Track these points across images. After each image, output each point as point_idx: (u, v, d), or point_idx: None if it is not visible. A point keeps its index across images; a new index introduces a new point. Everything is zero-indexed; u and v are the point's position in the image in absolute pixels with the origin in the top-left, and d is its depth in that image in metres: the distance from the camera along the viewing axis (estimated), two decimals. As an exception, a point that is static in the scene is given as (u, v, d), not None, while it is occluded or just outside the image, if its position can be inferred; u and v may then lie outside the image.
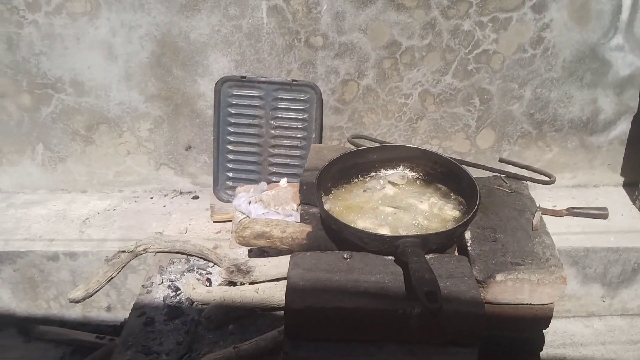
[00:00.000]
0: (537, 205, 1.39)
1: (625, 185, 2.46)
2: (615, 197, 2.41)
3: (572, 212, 2.25)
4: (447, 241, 1.23)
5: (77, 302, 1.69)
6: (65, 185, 2.47)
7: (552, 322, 2.40)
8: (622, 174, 2.46)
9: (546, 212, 2.25)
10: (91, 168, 2.43)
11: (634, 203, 2.34)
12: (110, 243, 2.15)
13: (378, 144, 1.59)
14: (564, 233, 2.18)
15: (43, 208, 2.39)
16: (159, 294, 1.67)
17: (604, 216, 2.24)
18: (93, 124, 2.32)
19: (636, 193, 2.33)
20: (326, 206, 1.33)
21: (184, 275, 1.75)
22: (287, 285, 1.15)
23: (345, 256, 1.23)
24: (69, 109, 2.29)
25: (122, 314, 2.22)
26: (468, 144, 2.36)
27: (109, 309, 2.23)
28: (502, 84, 2.23)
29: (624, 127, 2.34)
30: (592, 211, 2.25)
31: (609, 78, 2.23)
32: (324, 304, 1.10)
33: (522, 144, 2.36)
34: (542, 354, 1.29)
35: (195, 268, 1.77)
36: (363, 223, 1.28)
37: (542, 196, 2.39)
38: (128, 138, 2.35)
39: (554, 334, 2.26)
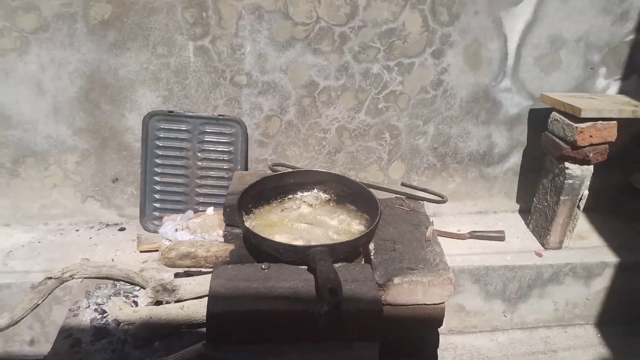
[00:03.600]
0: (431, 221, 1.60)
1: (521, 211, 2.77)
2: (512, 222, 2.70)
3: (473, 235, 2.51)
4: (351, 250, 1.40)
5: (1, 330, 1.69)
6: (-12, 219, 2.46)
7: (461, 338, 2.61)
8: (517, 201, 2.76)
9: (451, 235, 2.50)
10: (16, 201, 2.43)
11: (528, 226, 2.64)
12: (34, 275, 2.15)
13: (295, 169, 1.76)
14: (467, 254, 2.42)
15: (-38, 242, 2.36)
16: (86, 317, 1.71)
17: (501, 238, 2.51)
18: (19, 157, 2.35)
19: (529, 218, 2.63)
20: (247, 224, 1.46)
21: (111, 298, 1.80)
22: (209, 293, 1.26)
23: (263, 267, 1.36)
24: (-6, 142, 2.31)
25: (45, 347, 2.19)
26: (381, 174, 2.58)
27: (32, 342, 2.21)
28: (408, 121, 2.48)
29: (516, 159, 2.66)
30: (491, 234, 2.51)
31: (500, 116, 2.54)
32: (242, 307, 1.23)
33: (428, 175, 2.62)
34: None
35: (121, 292, 1.83)
36: (280, 237, 1.43)
37: (447, 222, 2.66)
38: (55, 171, 2.39)
39: (463, 349, 2.46)
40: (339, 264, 1.37)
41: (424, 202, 1.71)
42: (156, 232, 2.27)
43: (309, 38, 2.25)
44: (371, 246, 1.46)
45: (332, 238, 1.44)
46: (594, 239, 2.58)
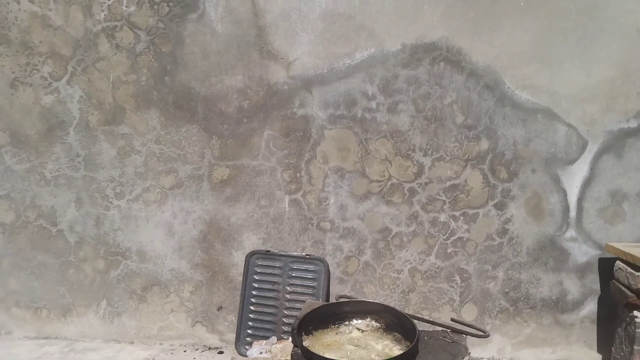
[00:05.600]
0: (468, 352, 1.78)
1: (603, 362, 2.71)
2: (593, 372, 2.65)
3: (548, 382, 2.51)
4: (386, 369, 1.63)
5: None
6: (118, 336, 2.99)
7: None
8: (598, 351, 2.72)
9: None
10: (140, 322, 2.96)
11: (609, 378, 2.57)
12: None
13: (352, 299, 2.07)
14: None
15: (97, 355, 2.88)
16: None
17: (578, 387, 2.47)
18: (148, 286, 2.92)
19: (610, 369, 2.57)
20: (305, 343, 1.78)
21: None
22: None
23: (312, 378, 1.64)
24: (132, 272, 2.92)
25: None
26: (455, 316, 2.75)
27: None
28: (477, 265, 2.70)
29: (591, 307, 2.69)
30: (566, 382, 2.49)
31: (569, 264, 2.66)
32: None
33: (501, 319, 2.73)
34: None
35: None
36: (329, 355, 1.72)
37: (524, 367, 2.68)
38: (173, 298, 2.91)
39: None
40: (377, 382, 1.60)
41: (466, 335, 1.90)
42: (246, 356, 2.62)
43: (383, 192, 2.68)
44: (410, 369, 1.68)
45: (373, 359, 1.69)
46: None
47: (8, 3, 2.74)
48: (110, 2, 2.67)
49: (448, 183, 2.64)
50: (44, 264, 2.95)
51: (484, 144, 2.60)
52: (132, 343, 2.97)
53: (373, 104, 2.62)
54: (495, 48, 2.52)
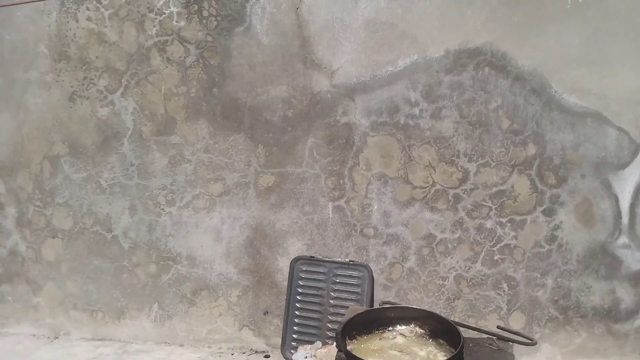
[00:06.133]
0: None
1: (661, 375, 2.61)
2: (649, 385, 2.55)
3: (601, 393, 2.43)
4: (430, 374, 1.63)
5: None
6: (168, 339, 3.09)
7: None
8: (655, 363, 2.62)
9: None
10: (190, 326, 3.05)
11: (667, 391, 2.47)
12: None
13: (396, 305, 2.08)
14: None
15: (149, 356, 2.99)
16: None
17: (633, 400, 2.39)
18: (197, 290, 3.01)
19: (669, 382, 2.48)
20: (349, 347, 1.80)
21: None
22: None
23: (356, 382, 1.66)
24: (182, 277, 3.02)
25: None
26: (502, 325, 2.70)
27: None
28: (525, 273, 2.65)
29: (647, 317, 2.60)
30: (621, 394, 2.41)
31: (622, 272, 2.58)
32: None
33: (551, 327, 2.67)
34: None
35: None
36: (373, 360, 1.74)
37: (575, 378, 2.61)
38: (221, 302, 2.99)
39: None
40: (421, 387, 1.61)
41: (513, 343, 1.87)
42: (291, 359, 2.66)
43: (426, 198, 2.68)
44: (454, 376, 1.67)
45: (419, 365, 1.70)
46: None
47: (67, 22, 2.91)
48: (161, 18, 2.80)
49: (494, 189, 2.61)
50: (100, 269, 3.10)
51: (531, 149, 2.56)
52: (182, 345, 3.07)
53: (416, 111, 2.63)
54: (541, 52, 2.48)
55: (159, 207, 2.98)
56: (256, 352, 2.99)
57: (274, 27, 2.70)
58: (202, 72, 2.81)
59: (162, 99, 2.88)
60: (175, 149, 2.91)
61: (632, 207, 2.52)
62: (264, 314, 2.95)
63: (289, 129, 2.77)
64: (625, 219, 2.54)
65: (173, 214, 2.97)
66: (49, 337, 3.23)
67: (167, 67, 2.84)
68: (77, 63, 2.94)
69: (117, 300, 3.11)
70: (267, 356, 2.94)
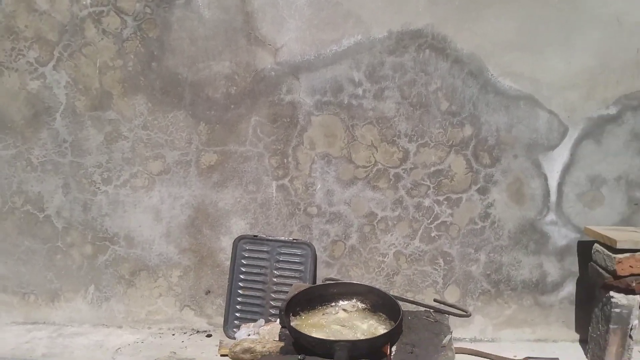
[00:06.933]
0: (450, 331, 1.84)
1: (581, 341, 2.80)
2: (571, 351, 2.74)
3: (528, 360, 2.59)
4: (371, 347, 1.69)
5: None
6: (106, 321, 3.01)
7: None
8: (576, 331, 2.81)
9: (506, 360, 2.61)
10: (129, 307, 2.98)
11: (586, 356, 2.67)
12: (134, 368, 2.61)
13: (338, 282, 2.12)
14: (520, 379, 2.51)
15: (85, 339, 2.90)
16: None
17: (556, 365, 2.56)
18: (136, 270, 2.94)
19: (587, 347, 2.67)
20: (292, 324, 1.83)
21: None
22: (254, 372, 1.61)
23: (299, 357, 1.69)
24: (120, 258, 2.93)
25: None
26: (438, 298, 2.81)
27: None
28: (460, 248, 2.77)
29: (570, 289, 2.77)
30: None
31: (549, 247, 2.74)
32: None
33: (483, 300, 2.80)
34: None
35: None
36: (316, 335, 1.77)
37: (505, 347, 2.76)
38: (161, 283, 2.94)
39: None
40: (361, 360, 1.66)
41: (449, 315, 1.96)
42: (234, 338, 2.66)
43: (369, 177, 2.72)
44: (393, 348, 1.74)
45: (360, 339, 1.74)
46: (658, 373, 2.54)
47: (-8, -13, 2.71)
48: (96, -13, 2.66)
49: (432, 168, 2.70)
50: (32, 250, 2.96)
51: (468, 130, 2.66)
52: (120, 327, 3.00)
53: (359, 91, 2.65)
54: (478, 36, 2.56)
55: (95, 185, 2.87)
56: (198, 331, 2.97)
57: (216, 1, 2.63)
58: (140, 45, 2.71)
59: (97, 72, 2.76)
60: (112, 125, 2.80)
61: (560, 186, 2.68)
62: (206, 293, 2.93)
63: (232, 106, 2.73)
64: (553, 197, 2.70)
65: (109, 192, 2.87)
66: (-25, 322, 3.07)
67: (102, 39, 2.72)
68: (4, 32, 2.76)
69: (50, 282, 2.98)
70: (209, 335, 2.92)
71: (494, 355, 2.51)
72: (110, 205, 2.89)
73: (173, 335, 2.94)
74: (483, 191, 2.71)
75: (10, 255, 2.97)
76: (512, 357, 2.63)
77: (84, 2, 2.68)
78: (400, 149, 2.69)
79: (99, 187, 2.87)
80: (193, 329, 2.97)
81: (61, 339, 2.89)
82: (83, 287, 2.98)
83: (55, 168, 2.87)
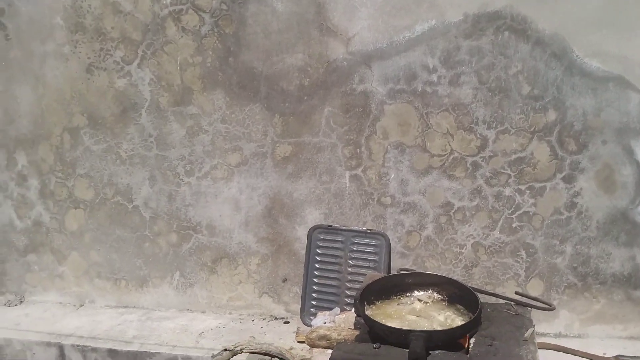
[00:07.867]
0: (533, 324, 1.77)
1: (680, 341, 2.60)
2: (669, 351, 2.55)
3: (619, 359, 2.44)
4: (447, 339, 1.66)
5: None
6: (190, 306, 3.17)
7: None
8: (675, 329, 2.61)
9: (594, 357, 2.47)
10: (211, 293, 3.12)
11: (686, 357, 2.47)
12: (217, 351, 2.72)
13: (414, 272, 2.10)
14: (610, 378, 2.36)
15: (171, 322, 3.06)
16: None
17: (651, 365, 2.39)
18: (217, 258, 3.06)
19: (688, 347, 2.47)
20: (367, 312, 1.83)
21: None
22: (330, 359, 1.63)
23: (374, 346, 1.69)
24: (203, 246, 3.07)
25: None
26: (520, 291, 2.70)
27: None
28: (544, 240, 2.64)
29: (668, 283, 2.58)
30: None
31: (643, 239, 2.55)
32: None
33: (569, 294, 2.66)
34: None
35: (275, 366, 2.27)
36: (391, 324, 1.76)
37: (593, 344, 2.62)
38: (241, 270, 3.04)
39: None
40: (438, 352, 1.63)
41: (531, 308, 1.88)
42: (311, 325, 2.71)
43: (444, 166, 2.66)
44: (472, 340, 1.69)
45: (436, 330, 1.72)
46: None
47: (83, -8, 2.90)
48: (175, -13, 2.78)
49: (513, 156, 2.59)
50: (122, 238, 3.16)
51: (552, 115, 2.52)
52: (204, 312, 3.14)
53: (434, 77, 2.59)
54: (561, 15, 2.41)
55: (178, 177, 3.02)
56: (276, 318, 3.05)
57: (288, -6, 2.66)
58: (217, 41, 2.80)
59: (178, 69, 2.88)
60: (193, 120, 2.92)
61: (655, 173, 2.48)
62: (283, 281, 3.00)
63: (305, 98, 2.76)
64: (647, 185, 2.51)
65: (192, 184, 3.00)
66: (74, 305, 3.33)
67: (182, 36, 2.83)
68: (93, 34, 2.94)
69: (139, 269, 3.18)
70: (286, 322, 2.99)
71: (580, 351, 2.38)
72: (193, 196, 3.02)
73: (253, 321, 3.04)
74: (569, 179, 2.56)
75: (103, 243, 3.19)
76: (601, 355, 2.49)
77: (164, 2, 2.80)
78: (478, 136, 2.60)
79: (182, 179, 3.01)
80: (271, 316, 3.06)
81: (150, 322, 3.07)
82: (169, 273, 3.15)
83: (142, 161, 3.04)
